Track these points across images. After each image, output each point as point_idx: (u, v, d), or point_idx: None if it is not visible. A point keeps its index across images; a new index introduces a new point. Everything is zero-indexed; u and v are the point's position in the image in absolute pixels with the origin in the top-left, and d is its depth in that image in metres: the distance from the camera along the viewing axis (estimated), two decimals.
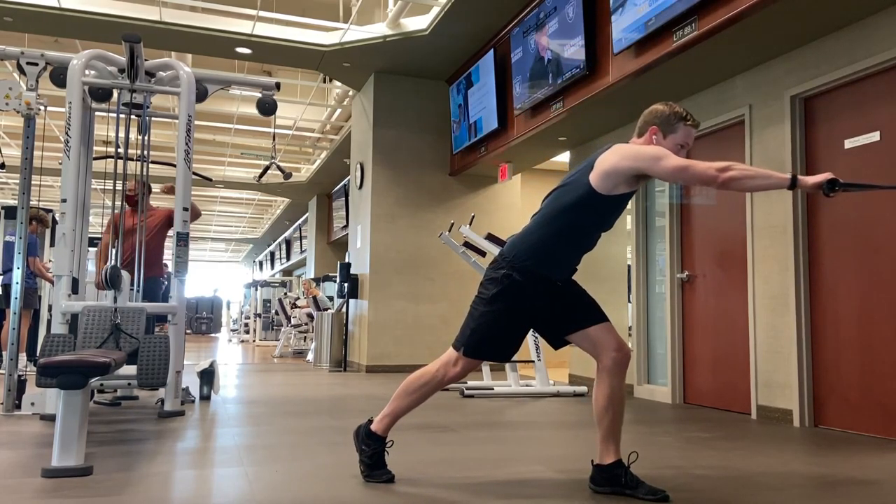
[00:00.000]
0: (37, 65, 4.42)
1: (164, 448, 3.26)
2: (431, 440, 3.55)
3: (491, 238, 5.76)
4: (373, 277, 7.89)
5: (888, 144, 3.84)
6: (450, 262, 7.93)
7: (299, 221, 17.47)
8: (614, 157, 2.44)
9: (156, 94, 4.78)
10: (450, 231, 6.18)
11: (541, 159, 7.61)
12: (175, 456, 3.10)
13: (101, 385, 4.28)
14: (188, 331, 17.98)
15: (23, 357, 6.29)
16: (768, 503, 2.42)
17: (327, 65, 7.79)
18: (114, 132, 4.45)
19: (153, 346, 3.56)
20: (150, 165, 4.76)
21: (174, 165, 4.48)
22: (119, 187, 4.50)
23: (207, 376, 5.09)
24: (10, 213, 7.18)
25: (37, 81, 4.42)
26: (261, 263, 26.72)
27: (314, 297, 10.75)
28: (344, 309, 8.58)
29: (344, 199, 12.11)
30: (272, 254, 23.38)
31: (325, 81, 9.58)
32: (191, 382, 5.14)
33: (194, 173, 5.20)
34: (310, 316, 11.15)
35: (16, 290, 4.43)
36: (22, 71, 4.41)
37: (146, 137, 4.63)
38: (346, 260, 8.93)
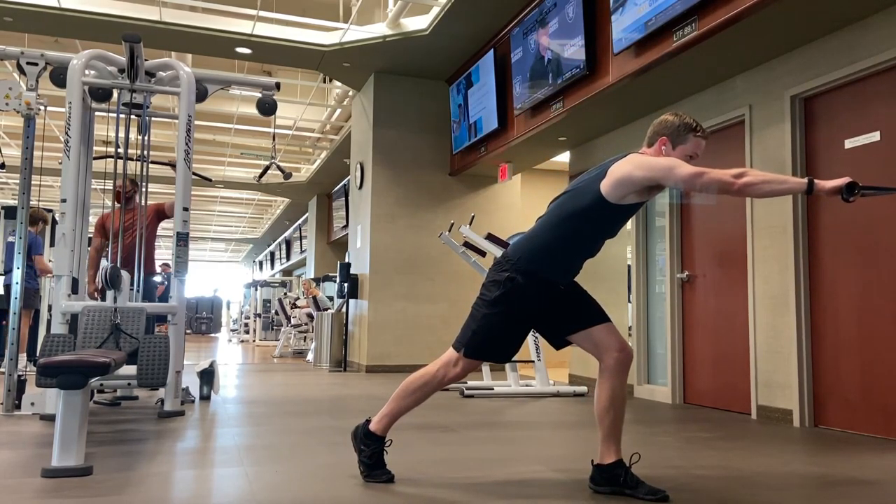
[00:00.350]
0: (37, 65, 4.42)
1: (164, 448, 3.26)
2: (431, 440, 3.55)
3: (491, 238, 5.76)
4: (373, 277, 7.89)
5: (888, 144, 3.84)
6: (450, 262, 7.93)
7: (299, 221, 17.47)
8: (629, 167, 2.43)
9: (156, 94, 4.78)
10: (450, 231, 6.18)
11: (541, 159, 7.61)
12: (175, 456, 3.10)
13: (101, 385, 4.28)
14: (188, 331, 17.98)
15: (23, 357, 6.29)
16: (768, 503, 2.42)
17: (327, 65, 7.79)
18: (114, 132, 4.45)
19: (153, 346, 3.56)
20: (150, 165, 4.77)
21: (174, 166, 4.48)
22: (119, 189, 4.51)
23: (207, 376, 5.09)
24: (10, 213, 7.18)
25: (37, 81, 4.42)
26: (261, 263, 26.72)
27: (314, 297, 10.75)
28: (344, 309, 8.57)
29: (344, 199, 12.11)
30: (272, 254, 23.38)
31: (325, 81, 9.58)
32: (191, 382, 5.14)
33: (194, 173, 5.22)
34: (310, 316, 11.15)
35: (16, 290, 4.43)
36: (22, 71, 4.41)
37: (146, 137, 4.63)
38: (346, 260, 8.93)
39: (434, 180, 8.22)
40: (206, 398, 5.07)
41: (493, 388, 5.71)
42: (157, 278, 6.10)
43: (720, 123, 4.99)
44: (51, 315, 4.99)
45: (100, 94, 4.56)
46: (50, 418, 3.95)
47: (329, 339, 8.52)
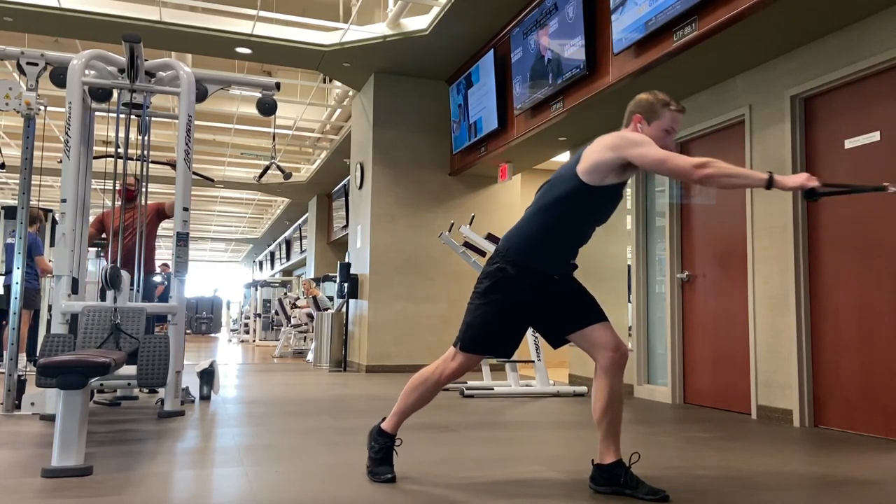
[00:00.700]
0: (37, 65, 4.42)
1: (164, 448, 3.26)
2: (431, 440, 3.55)
3: (491, 238, 5.76)
4: (373, 277, 7.89)
5: (888, 144, 3.84)
6: (450, 262, 7.93)
7: (299, 221, 17.47)
8: (599, 147, 2.45)
9: (156, 94, 4.78)
10: (450, 231, 6.18)
11: (541, 159, 7.61)
12: (175, 456, 3.10)
13: (101, 385, 4.28)
14: (188, 331, 17.98)
15: (23, 357, 6.29)
16: (768, 503, 2.42)
17: (327, 65, 7.79)
18: (114, 132, 4.45)
19: (153, 346, 3.56)
20: (150, 165, 4.77)
21: (174, 165, 4.48)
22: (119, 187, 4.51)
23: (207, 376, 5.09)
24: (10, 213, 7.18)
25: (37, 81, 4.42)
26: (261, 263, 26.72)
27: (314, 297, 10.76)
28: (344, 309, 8.57)
29: (344, 199, 12.11)
30: (272, 254, 23.38)
31: (325, 81, 9.58)
32: (191, 382, 5.14)
33: (196, 174, 5.24)
34: (310, 316, 11.15)
35: (16, 290, 4.43)
36: (22, 71, 4.41)
37: (146, 137, 4.63)
38: (346, 260, 8.93)
39: (434, 180, 8.22)
40: (206, 398, 5.07)
41: (493, 388, 5.71)
42: (157, 278, 6.11)
43: (720, 123, 5.00)
44: (51, 315, 4.99)
45: (100, 94, 4.56)
46: (50, 418, 3.94)
47: (329, 339, 8.52)
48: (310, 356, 9.76)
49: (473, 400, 5.32)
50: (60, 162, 4.24)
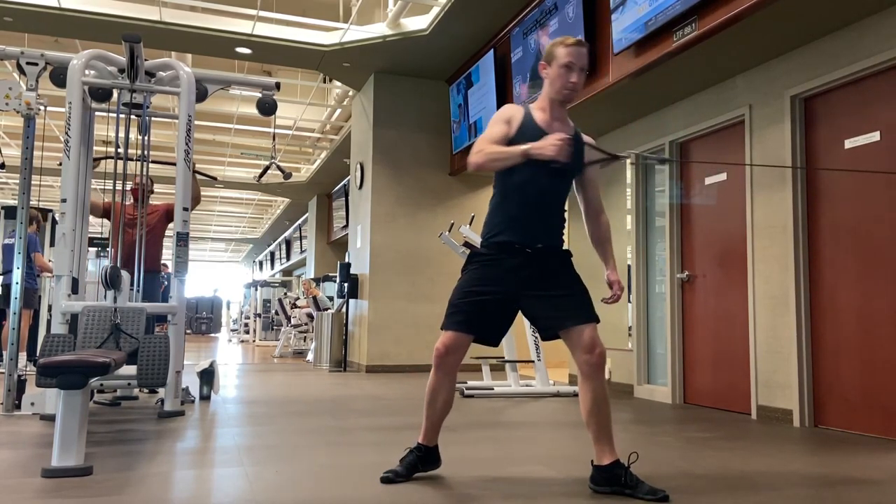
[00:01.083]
0: (37, 65, 4.42)
1: (164, 448, 3.26)
2: None
3: None
4: (373, 277, 7.89)
5: (888, 144, 3.84)
6: (450, 262, 7.93)
7: (299, 221, 17.47)
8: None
9: (156, 94, 4.78)
10: (450, 231, 6.18)
11: None
12: (175, 456, 3.10)
13: (101, 385, 4.28)
14: (188, 331, 17.98)
15: (23, 357, 6.28)
16: (768, 503, 2.42)
17: (327, 65, 7.79)
18: (114, 132, 4.45)
19: (153, 346, 3.56)
20: (151, 165, 4.78)
21: (174, 164, 4.48)
22: (119, 187, 4.50)
23: (207, 376, 5.09)
24: (10, 213, 7.18)
25: (37, 81, 4.42)
26: (261, 263, 26.72)
27: (314, 297, 10.75)
28: (344, 309, 8.58)
29: (344, 199, 12.11)
30: (272, 254, 23.38)
31: (325, 81, 9.58)
32: (191, 382, 5.14)
33: (201, 173, 5.25)
34: (310, 316, 11.15)
35: (16, 290, 4.43)
36: (22, 71, 4.41)
37: (146, 137, 4.63)
38: (346, 260, 8.93)
39: (434, 180, 8.22)
40: (206, 398, 5.07)
41: (493, 389, 5.71)
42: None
43: (720, 123, 5.00)
44: (51, 315, 5.00)
45: (100, 94, 4.56)
46: (50, 418, 3.95)
47: (329, 339, 8.52)
48: (310, 356, 9.76)
49: (473, 400, 5.32)
50: (60, 164, 4.24)
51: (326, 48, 7.30)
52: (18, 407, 4.24)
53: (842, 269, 4.08)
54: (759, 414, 4.51)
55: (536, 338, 5.66)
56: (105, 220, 5.38)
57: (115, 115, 4.49)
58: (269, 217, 19.83)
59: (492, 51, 6.84)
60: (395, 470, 2.65)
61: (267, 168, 6.97)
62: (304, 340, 12.13)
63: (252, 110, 6.02)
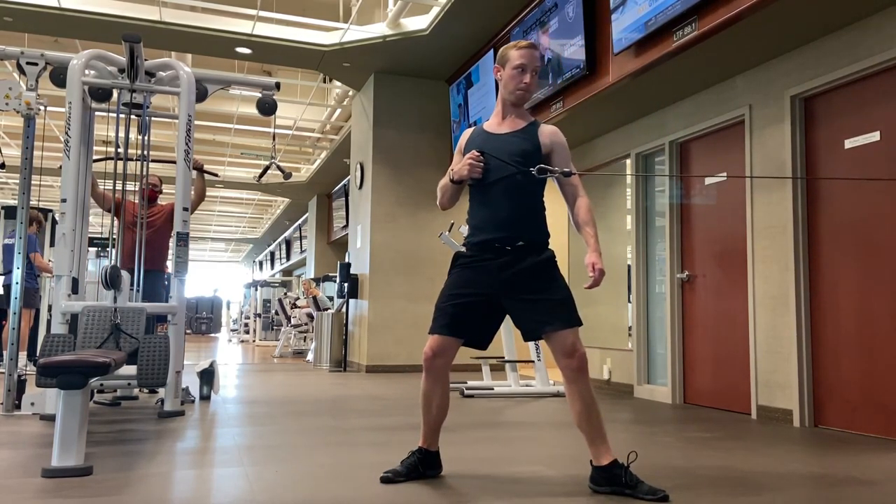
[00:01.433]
0: (37, 65, 4.42)
1: (164, 448, 3.26)
2: None
3: None
4: (373, 277, 7.89)
5: (888, 144, 3.84)
6: (450, 263, 7.92)
7: (299, 221, 17.47)
8: None
9: (156, 94, 4.78)
10: (450, 231, 6.18)
11: None
12: (175, 456, 3.10)
13: (101, 385, 4.28)
14: (188, 331, 17.98)
15: (23, 357, 6.28)
16: (768, 503, 2.42)
17: (327, 65, 7.79)
18: (114, 132, 4.45)
19: (153, 346, 3.56)
20: (159, 164, 4.79)
21: (174, 162, 4.48)
22: (119, 187, 4.50)
23: (207, 376, 5.09)
24: (10, 213, 7.18)
25: (37, 81, 4.42)
26: (261, 263, 26.72)
27: (314, 297, 10.75)
28: (344, 309, 8.57)
29: (344, 199, 12.11)
30: (272, 254, 23.38)
31: (325, 81, 9.58)
32: (191, 382, 5.14)
33: (205, 170, 5.26)
34: (310, 316, 11.15)
35: (16, 290, 4.43)
36: (22, 71, 4.41)
37: (146, 137, 4.63)
38: (346, 260, 8.93)
39: (434, 180, 8.17)
40: (206, 398, 5.07)
41: (493, 389, 5.71)
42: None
43: (720, 123, 5.00)
44: (51, 315, 5.00)
45: (100, 94, 4.56)
46: (50, 418, 3.95)
47: (329, 339, 8.52)
48: (310, 356, 9.76)
49: (473, 400, 5.32)
50: (61, 166, 4.24)
51: (326, 48, 7.30)
52: (18, 407, 4.25)
53: (842, 269, 4.08)
54: (759, 414, 4.51)
55: None
56: (107, 220, 5.39)
57: (115, 115, 4.49)
58: (269, 217, 19.84)
59: (492, 51, 6.83)
60: (395, 470, 2.65)
61: (267, 168, 6.96)
62: (304, 340, 12.14)
63: (252, 110, 6.02)
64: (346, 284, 8.29)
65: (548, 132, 2.68)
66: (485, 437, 3.70)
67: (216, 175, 6.47)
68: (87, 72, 4.38)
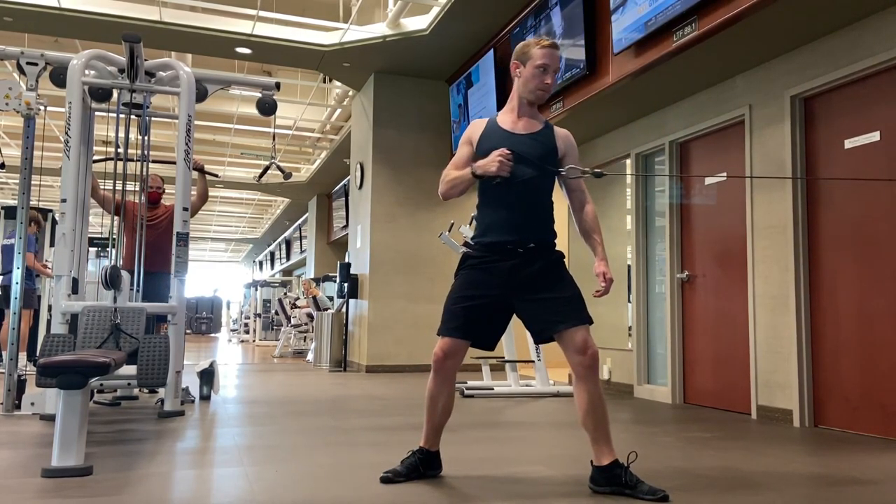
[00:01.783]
0: (37, 65, 4.42)
1: (164, 448, 3.26)
2: None
3: None
4: (373, 277, 7.88)
5: (888, 144, 3.84)
6: (450, 262, 7.92)
7: (299, 221, 17.47)
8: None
9: (156, 94, 4.78)
10: (450, 231, 6.18)
11: None
12: (175, 456, 3.10)
13: (101, 385, 4.28)
14: (188, 331, 17.97)
15: (23, 357, 6.28)
16: (768, 503, 2.42)
17: (327, 65, 7.79)
18: (114, 132, 4.45)
19: (153, 346, 3.56)
20: (152, 165, 4.78)
21: (174, 162, 4.48)
22: (119, 187, 4.50)
23: (207, 376, 5.09)
24: (10, 213, 7.18)
25: (37, 81, 4.42)
26: (261, 263, 26.72)
27: (314, 297, 10.75)
28: (344, 309, 8.57)
29: (344, 199, 12.11)
30: (272, 254, 23.38)
31: (325, 81, 9.57)
32: (191, 382, 5.14)
33: (208, 172, 5.26)
34: (310, 316, 11.15)
35: (15, 291, 4.43)
36: (22, 71, 4.41)
37: (146, 137, 4.63)
38: (346, 260, 8.93)
39: (434, 180, 8.08)
40: (206, 398, 5.07)
41: (493, 388, 5.71)
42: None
43: (720, 123, 5.00)
44: (51, 315, 4.99)
45: (100, 94, 4.56)
46: (50, 418, 3.95)
47: (329, 339, 8.52)
48: (310, 356, 9.76)
49: (473, 400, 5.32)
50: (61, 165, 4.23)
51: (326, 48, 7.30)
52: (18, 407, 4.24)
53: (842, 269, 4.08)
54: (759, 414, 4.51)
55: None
56: (107, 220, 5.39)
57: (115, 115, 4.49)
58: (269, 217, 19.83)
59: (492, 51, 6.83)
60: (395, 469, 2.65)
61: (267, 168, 6.95)
62: (304, 340, 12.13)
63: (252, 110, 6.02)
64: (345, 284, 8.29)
65: (562, 136, 2.70)
66: (485, 437, 3.70)
67: (216, 175, 6.47)
68: (87, 72, 4.38)
